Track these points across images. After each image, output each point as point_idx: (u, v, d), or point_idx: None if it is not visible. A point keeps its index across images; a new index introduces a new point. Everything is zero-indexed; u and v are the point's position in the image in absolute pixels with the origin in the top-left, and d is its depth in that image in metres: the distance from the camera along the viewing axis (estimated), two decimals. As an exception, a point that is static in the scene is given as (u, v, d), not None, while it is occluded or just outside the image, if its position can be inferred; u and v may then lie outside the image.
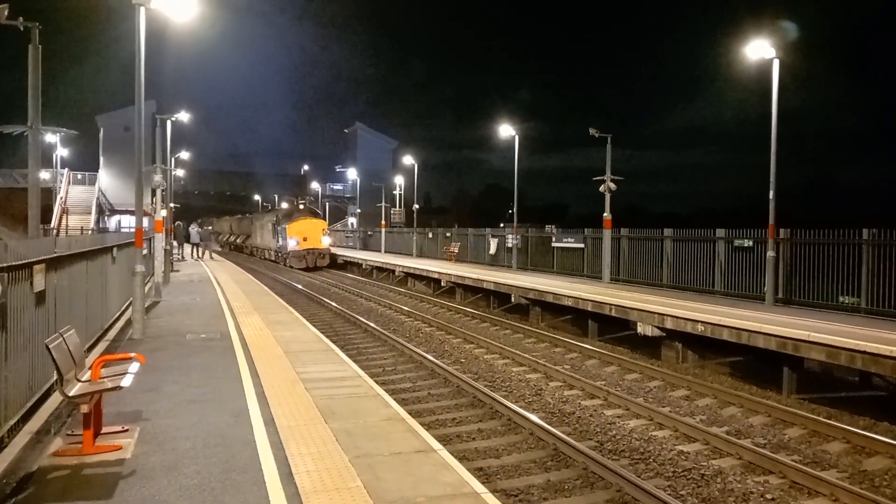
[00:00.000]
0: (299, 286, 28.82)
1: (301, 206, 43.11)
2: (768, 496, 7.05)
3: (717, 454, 8.32)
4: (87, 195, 51.24)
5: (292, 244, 39.32)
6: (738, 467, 7.87)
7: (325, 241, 40.65)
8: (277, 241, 42.70)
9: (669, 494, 6.87)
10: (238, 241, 63.62)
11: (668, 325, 13.85)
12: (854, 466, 8.02)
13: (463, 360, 13.76)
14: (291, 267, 38.89)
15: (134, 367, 6.74)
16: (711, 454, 8.33)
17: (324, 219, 43.60)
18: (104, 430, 6.50)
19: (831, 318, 12.76)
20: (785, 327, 11.50)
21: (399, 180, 57.45)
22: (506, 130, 29.27)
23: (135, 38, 12.20)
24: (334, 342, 12.65)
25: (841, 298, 14.45)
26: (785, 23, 19.69)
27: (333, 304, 22.41)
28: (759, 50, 15.76)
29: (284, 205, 56.01)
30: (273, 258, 45.33)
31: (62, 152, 50.15)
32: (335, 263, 41.23)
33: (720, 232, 17.75)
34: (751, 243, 16.66)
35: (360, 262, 38.51)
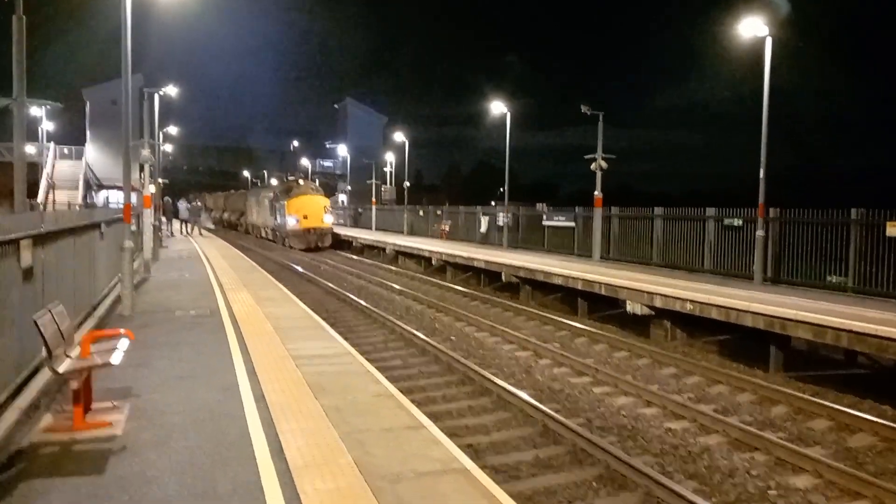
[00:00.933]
0: (290, 263, 28.75)
1: (301, 182, 39.91)
2: (754, 472, 7.15)
3: (704, 431, 8.41)
4: (73, 170, 50.72)
5: (292, 223, 36.02)
6: (724, 444, 7.97)
7: (328, 220, 37.37)
8: (275, 219, 39.60)
9: (657, 470, 6.96)
10: (232, 217, 60.98)
11: (658, 303, 13.93)
12: (839, 443, 8.14)
13: (453, 338, 13.80)
14: (291, 247, 36.31)
15: (123, 343, 6.72)
16: (699, 431, 8.42)
17: (325, 195, 39.98)
18: (94, 406, 6.50)
19: (819, 298, 12.87)
20: (773, 306, 11.59)
21: (390, 157, 57.14)
22: (497, 108, 29.09)
23: (121, 10, 11.99)
24: (324, 319, 12.64)
25: (829, 278, 14.55)
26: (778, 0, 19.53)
27: (324, 281, 22.38)
28: (752, 27, 15.67)
29: (274, 181, 55.01)
30: (270, 237, 42.66)
31: (48, 126, 49.48)
32: (336, 242, 38.51)
33: (710, 211, 17.79)
34: (740, 222, 16.72)
35: (350, 239, 38.37)
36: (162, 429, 6.11)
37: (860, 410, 9.11)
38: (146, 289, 15.54)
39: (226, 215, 64.41)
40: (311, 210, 36.42)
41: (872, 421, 8.56)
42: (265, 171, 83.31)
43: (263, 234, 44.97)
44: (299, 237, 35.86)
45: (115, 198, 51.77)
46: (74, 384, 5.93)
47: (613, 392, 10.09)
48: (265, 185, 57.90)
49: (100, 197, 58.18)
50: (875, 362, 11.40)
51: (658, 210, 19.60)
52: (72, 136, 63.53)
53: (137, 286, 15.09)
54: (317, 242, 36.03)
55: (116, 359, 6.22)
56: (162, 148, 36.58)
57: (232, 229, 58.94)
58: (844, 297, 13.26)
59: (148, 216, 21.27)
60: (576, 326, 14.84)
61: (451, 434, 7.82)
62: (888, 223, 13.07)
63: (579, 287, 16.77)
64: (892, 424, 8.45)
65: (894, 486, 6.68)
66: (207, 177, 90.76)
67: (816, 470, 7.09)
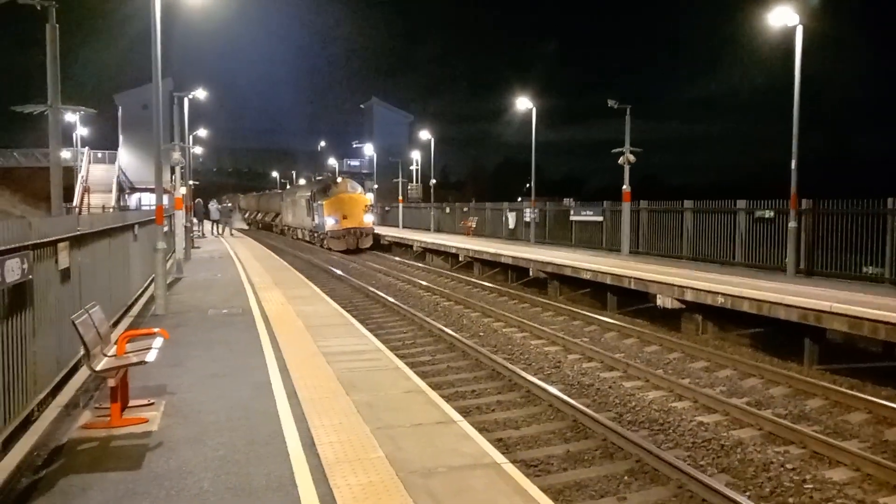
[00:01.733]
0: (318, 261, 29.00)
1: (339, 179, 37.70)
2: (788, 466, 7.05)
3: (737, 425, 8.31)
4: (107, 173, 51.80)
5: (330, 223, 33.90)
6: (758, 438, 7.87)
7: (368, 219, 34.98)
8: (313, 220, 37.39)
9: (689, 464, 6.90)
10: (266, 218, 59.33)
11: (688, 297, 13.78)
12: (876, 436, 7.98)
13: (482, 334, 13.81)
14: (330, 249, 34.30)
15: (158, 342, 6.86)
16: (731, 425, 8.32)
17: (365, 193, 37.68)
18: (131, 403, 6.64)
19: (854, 289, 12.61)
20: (807, 298, 11.40)
21: (416, 155, 57.28)
22: (523, 103, 28.99)
23: (150, 16, 12.21)
24: (354, 316, 12.74)
25: (865, 269, 14.25)
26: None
27: (352, 279, 22.55)
28: (783, 17, 15.40)
29: (302, 181, 55.13)
30: (307, 238, 40.33)
31: (82, 131, 50.55)
32: (378, 244, 36.34)
33: (741, 203, 17.53)
34: (772, 214, 16.46)
35: (378, 237, 38.53)
36: (197, 425, 6.22)
37: (899, 403, 8.92)
38: (179, 289, 15.80)
39: (259, 216, 63.54)
40: (351, 209, 34.32)
41: (911, 414, 8.38)
42: (294, 172, 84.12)
43: (300, 236, 43.07)
44: (338, 238, 33.87)
45: (148, 200, 52.73)
46: (111, 382, 6.07)
47: (644, 386, 10.01)
48: (301, 185, 56.10)
49: (132, 199, 59.31)
50: (914, 354, 11.14)
51: (688, 203, 19.37)
52: (105, 141, 64.94)
53: (170, 286, 15.36)
54: (357, 244, 34.05)
55: (151, 357, 6.36)
56: (192, 150, 37.10)
57: (266, 230, 57.83)
58: (882, 288, 12.98)
59: (180, 217, 21.62)
60: (605, 321, 14.74)
61: (481, 429, 7.84)
62: (926, 212, 12.76)
63: (608, 282, 16.66)
64: (932, 417, 8.27)
65: (935, 479, 6.55)
66: (237, 178, 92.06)
67: (853, 463, 6.96)
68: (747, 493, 6.46)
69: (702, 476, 6.46)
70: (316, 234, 37.55)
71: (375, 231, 36.18)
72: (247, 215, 70.23)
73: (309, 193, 38.25)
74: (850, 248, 14.54)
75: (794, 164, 15.60)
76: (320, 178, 42.77)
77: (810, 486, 6.62)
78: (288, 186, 69.54)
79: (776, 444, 7.65)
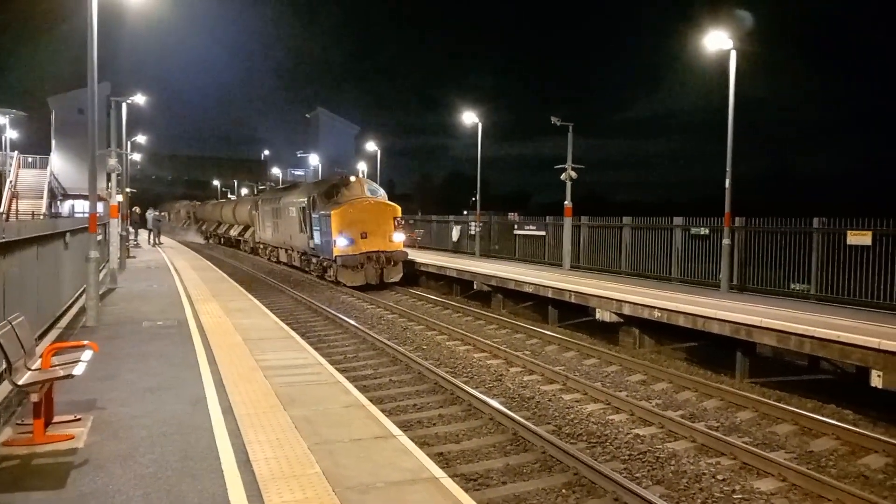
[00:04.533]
0: (258, 273, 28.49)
1: (352, 178, 26.07)
2: (719, 477, 7.25)
3: (671, 437, 8.51)
4: (38, 179, 49.79)
5: (342, 244, 22.73)
6: (691, 450, 8.07)
7: (398, 239, 23.82)
8: (310, 238, 25.83)
9: (625, 477, 7.02)
10: (231, 232, 46.68)
11: (626, 311, 14.08)
12: (802, 447, 8.30)
13: (425, 347, 13.79)
14: (338, 282, 23.27)
15: (87, 354, 6.61)
16: (666, 437, 8.52)
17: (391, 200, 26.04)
18: (56, 419, 6.37)
19: (783, 305, 13.12)
20: (738, 313, 11.80)
21: (362, 166, 57.03)
22: (469, 118, 29.24)
23: (87, 18, 11.85)
24: (295, 330, 12.56)
25: (792, 285, 14.85)
26: (742, 13, 19.98)
27: (294, 291, 22.22)
28: (717, 41, 15.98)
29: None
30: (298, 264, 28.81)
31: (11, 135, 48.54)
32: (410, 274, 24.56)
33: (677, 220, 18.06)
34: (707, 231, 17.00)
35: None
36: (127, 442, 6.01)
37: (823, 415, 9.31)
38: (112, 300, 15.28)
39: (222, 229, 50.86)
40: (373, 224, 23.33)
41: (835, 425, 8.75)
42: (235, 182, 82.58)
43: (284, 259, 31.49)
44: (354, 269, 22.68)
45: (82, 207, 50.88)
46: (35, 397, 5.80)
47: (583, 399, 10.16)
48: (287, 187, 40.28)
49: (65, 206, 57.15)
50: (837, 368, 11.66)
51: (626, 219, 19.84)
52: (37, 146, 62.38)
53: (104, 297, 14.85)
54: (381, 274, 23.11)
55: (79, 370, 6.12)
56: (130, 157, 36.02)
57: (230, 247, 46.54)
58: (807, 304, 13.54)
59: (115, 226, 20.94)
60: (546, 334, 14.92)
61: (422, 443, 7.83)
62: (848, 232, 13.41)
63: (550, 295, 16.89)
64: (853, 428, 8.65)
65: (855, 489, 6.84)
66: (177, 186, 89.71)
67: (780, 474, 7.21)
68: (680, 504, 6.61)
69: (637, 488, 6.59)
70: (314, 260, 26.28)
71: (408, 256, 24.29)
72: (203, 227, 59.44)
73: (305, 199, 26.36)
74: (779, 265, 15.14)
75: (728, 182, 16.15)
76: (332, 174, 30.57)
77: (739, 496, 6.82)
78: (273, 188, 56.21)
79: (708, 456, 7.86)
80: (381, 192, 25.93)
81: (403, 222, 25.06)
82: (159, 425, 6.45)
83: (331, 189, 25.17)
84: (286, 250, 31.07)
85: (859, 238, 13.18)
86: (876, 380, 9.23)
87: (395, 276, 23.45)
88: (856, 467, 7.67)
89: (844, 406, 9.83)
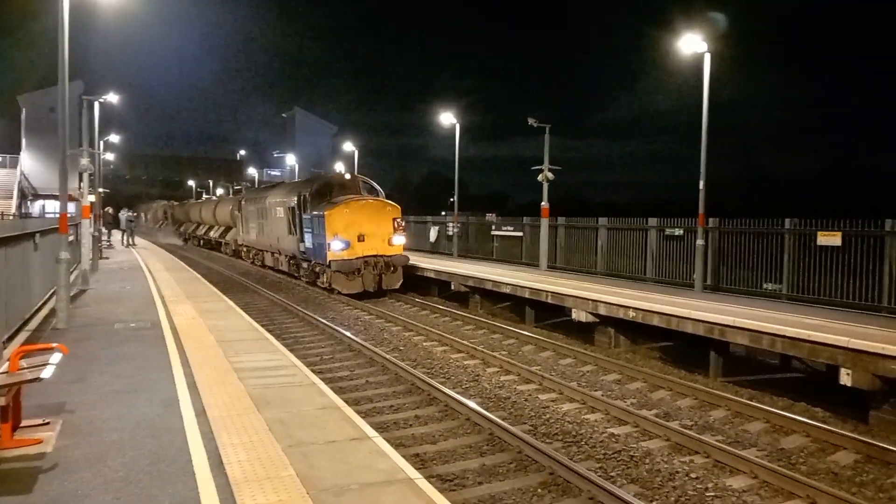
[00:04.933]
0: (234, 274, 28.23)
1: (347, 176, 24.80)
2: (693, 475, 7.33)
3: (646, 436, 8.58)
4: (7, 179, 48.97)
5: (337, 247, 20.75)
6: (665, 448, 8.15)
7: (398, 242, 21.81)
8: (300, 240, 23.65)
9: (600, 476, 7.07)
10: (212, 234, 43.83)
11: (602, 311, 14.18)
12: (773, 445, 8.42)
13: (402, 348, 13.77)
14: (332, 288, 21.22)
15: (56, 357, 6.48)
16: (641, 436, 8.59)
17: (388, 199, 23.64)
18: (24, 423, 6.25)
19: (756, 304, 13.29)
20: (712, 313, 11.93)
21: (339, 166, 56.78)
22: (447, 118, 29.25)
23: (58, 15, 11.66)
24: (270, 331, 12.47)
25: (765, 285, 15.07)
26: (716, 15, 20.22)
27: (269, 292, 22.05)
28: (692, 44, 16.16)
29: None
30: (285, 268, 26.83)
31: (-20, 133, 47.62)
32: (410, 280, 22.52)
33: (652, 221, 18.23)
34: (681, 232, 17.18)
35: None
36: (97, 445, 5.91)
37: (794, 413, 9.45)
38: (84, 301, 15.04)
39: (201, 230, 47.63)
40: (370, 225, 21.35)
41: (805, 422, 8.89)
42: (211, 182, 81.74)
43: (270, 263, 29.32)
44: (350, 274, 20.64)
45: (53, 207, 49.99)
46: (2, 400, 5.69)
47: (559, 399, 10.21)
48: (273, 185, 35.75)
49: (36, 206, 56.18)
50: (808, 366, 11.85)
51: (602, 220, 19.98)
52: (7, 144, 61.17)
53: (75, 298, 14.61)
54: (379, 280, 21.18)
55: (47, 373, 6.00)
56: (103, 157, 35.47)
57: (211, 250, 44.13)
58: (779, 303, 13.74)
59: (87, 226, 20.62)
60: (523, 334, 14.97)
61: (398, 444, 7.82)
62: (819, 232, 13.63)
63: (527, 296, 16.95)
64: (823, 426, 8.80)
65: (825, 485, 6.95)
66: (151, 186, 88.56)
67: (752, 471, 7.31)
68: (654, 503, 6.67)
69: (612, 487, 6.63)
70: (304, 265, 24.16)
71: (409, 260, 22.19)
72: (181, 229, 56.39)
73: (295, 199, 23.99)
74: (752, 266, 15.35)
75: (702, 184, 16.33)
76: (322, 173, 26.02)
77: (712, 493, 6.90)
78: (257, 187, 51.74)
79: (682, 454, 7.94)
80: (379, 190, 23.94)
81: (404, 223, 22.84)
82: (130, 428, 6.36)
83: (323, 187, 23.03)
84: (272, 254, 28.80)
85: (829, 239, 13.40)
86: (845, 378, 9.39)
87: (395, 282, 21.61)
88: (825, 464, 7.80)
89: (815, 404, 9.99)
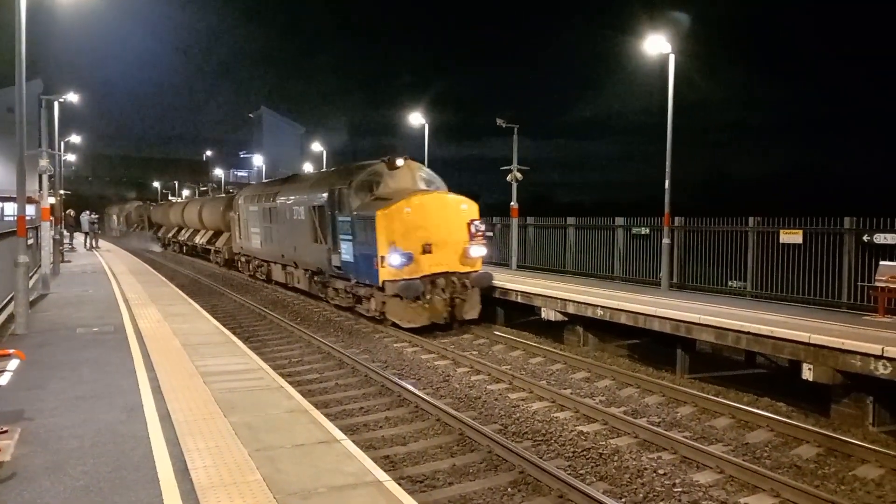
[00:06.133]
0: (199, 276, 27.82)
1: (399, 162, 16.86)
2: (660, 471, 7.40)
3: (614, 433, 8.65)
4: (-36, 181, 47.47)
5: (395, 261, 14.89)
6: (634, 445, 8.22)
7: (476, 253, 15.99)
8: (335, 251, 17.21)
9: (570, 474, 7.10)
10: (198, 239, 37.19)
11: (570, 310, 14.28)
12: (738, 440, 8.55)
13: (372, 350, 13.69)
14: (383, 318, 15.64)
15: (13, 364, 6.32)
16: (609, 433, 8.66)
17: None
18: (-20, 432, 6.05)
19: (721, 302, 13.50)
20: (678, 310, 12.09)
21: (308, 167, 56.34)
22: (416, 118, 29.21)
23: (15, 10, 11.36)
24: (237, 334, 12.32)
25: (730, 283, 15.32)
26: (679, 15, 20.45)
27: (236, 294, 21.78)
28: (657, 45, 16.35)
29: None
30: (305, 287, 20.39)
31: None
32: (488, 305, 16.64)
33: (619, 220, 18.42)
34: (647, 231, 17.39)
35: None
36: (58, 454, 5.76)
37: (758, 408, 9.62)
38: (45, 305, 14.68)
39: (184, 235, 41.14)
40: (442, 231, 15.59)
41: (769, 417, 9.05)
42: (176, 183, 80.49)
43: (281, 279, 22.81)
44: (412, 301, 14.97)
45: (11, 210, 48.67)
46: (-43, 409, 5.51)
47: (528, 397, 10.25)
48: (281, 178, 26.61)
49: (-6, 209, 54.68)
50: (772, 362, 12.07)
51: (570, 220, 20.14)
52: (-38, 145, 59.38)
53: (35, 303, 14.26)
54: (452, 306, 15.48)
55: (4, 380, 5.85)
56: (63, 158, 34.69)
57: (196, 257, 38.51)
58: (744, 301, 13.98)
59: (47, 229, 20.14)
60: (493, 334, 14.99)
61: (368, 447, 7.78)
62: (782, 231, 13.90)
63: (496, 295, 16.98)
64: (786, 420, 8.97)
65: (789, 478, 7.08)
66: (114, 187, 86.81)
67: (718, 466, 7.41)
68: (623, 500, 6.72)
69: (581, 485, 6.67)
70: (340, 285, 17.59)
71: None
72: (160, 233, 50.38)
73: (325, 195, 17.65)
74: (717, 264, 15.60)
75: (667, 183, 16.53)
76: (403, 157, 17.23)
77: (679, 489, 6.98)
78: (244, 185, 40.43)
79: (650, 451, 8.02)
80: (441, 182, 17.58)
81: (484, 228, 16.89)
82: (92, 435, 6.21)
83: (368, 178, 16.71)
84: (285, 266, 22.16)
85: (791, 237, 13.68)
86: (807, 373, 9.58)
87: (472, 310, 15.79)
88: (789, 457, 7.95)
89: (778, 399, 10.17)
